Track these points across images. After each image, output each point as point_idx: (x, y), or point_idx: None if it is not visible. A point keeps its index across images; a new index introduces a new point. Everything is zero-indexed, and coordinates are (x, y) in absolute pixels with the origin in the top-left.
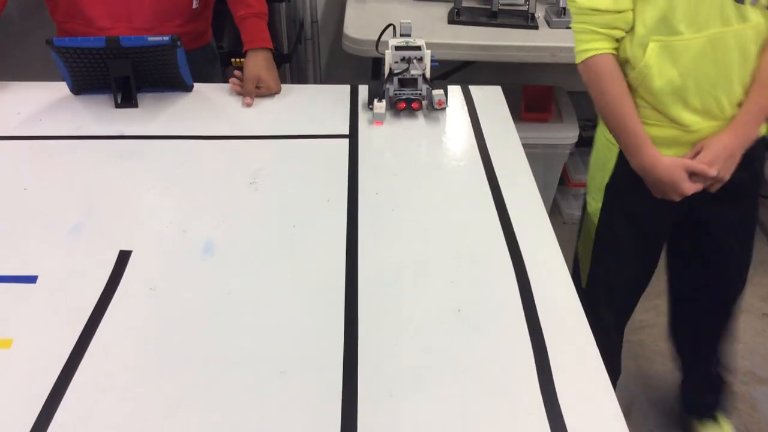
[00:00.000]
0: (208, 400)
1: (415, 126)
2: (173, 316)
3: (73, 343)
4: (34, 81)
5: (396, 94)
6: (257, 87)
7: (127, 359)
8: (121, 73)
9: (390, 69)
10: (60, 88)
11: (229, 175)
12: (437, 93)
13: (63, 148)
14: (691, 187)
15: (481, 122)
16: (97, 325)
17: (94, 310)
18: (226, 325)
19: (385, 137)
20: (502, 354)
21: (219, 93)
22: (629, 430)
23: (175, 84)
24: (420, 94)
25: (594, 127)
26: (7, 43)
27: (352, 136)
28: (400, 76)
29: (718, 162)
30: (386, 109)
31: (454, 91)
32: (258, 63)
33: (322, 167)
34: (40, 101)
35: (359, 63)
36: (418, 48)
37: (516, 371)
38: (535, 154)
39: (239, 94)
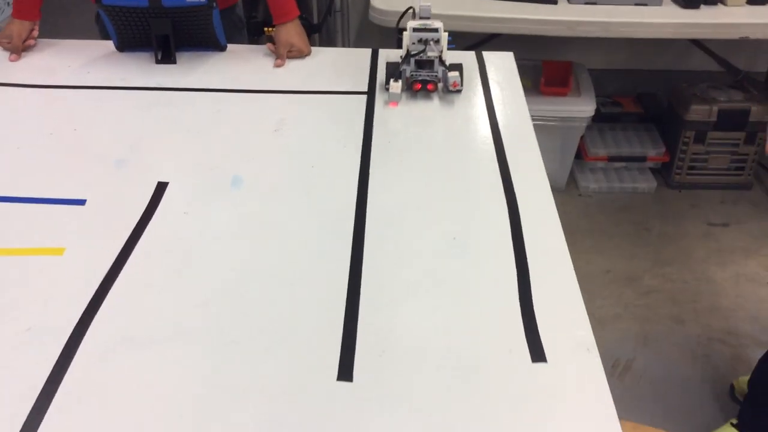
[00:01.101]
0: (232, 299)
1: (430, 108)
2: (204, 234)
3: (118, 251)
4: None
5: (412, 75)
6: (289, 51)
7: (164, 265)
8: (161, 32)
9: (407, 50)
10: (106, 46)
11: (256, 123)
12: (452, 75)
13: (109, 96)
14: None
15: (490, 83)
16: (138, 238)
17: (136, 226)
18: (249, 243)
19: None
20: (488, 275)
21: (250, 53)
22: (626, 383)
23: (210, 43)
24: (436, 75)
25: (613, 103)
26: (57, 13)
27: (370, 93)
28: (417, 58)
29: None
30: (402, 90)
31: (468, 56)
32: (289, 32)
33: (340, 119)
34: (89, 56)
35: (385, 33)
36: (436, 30)
37: (499, 288)
38: (553, 127)
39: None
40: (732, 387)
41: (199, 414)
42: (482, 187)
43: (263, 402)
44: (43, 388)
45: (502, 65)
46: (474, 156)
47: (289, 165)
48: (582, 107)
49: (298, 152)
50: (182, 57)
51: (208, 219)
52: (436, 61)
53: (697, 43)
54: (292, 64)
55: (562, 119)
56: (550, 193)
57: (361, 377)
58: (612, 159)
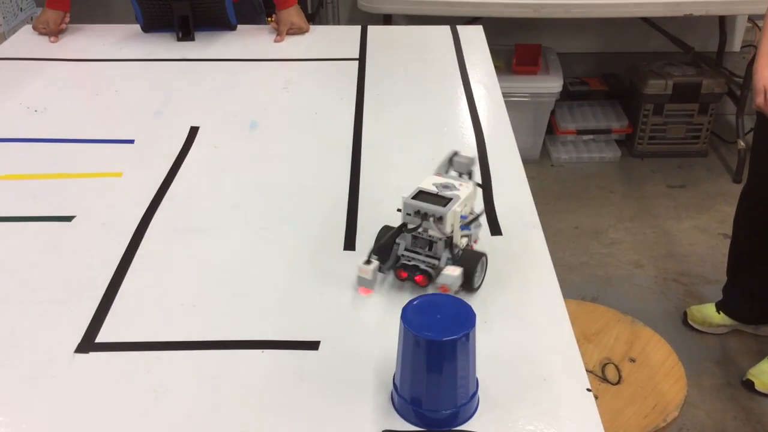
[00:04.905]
0: (258, 202)
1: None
2: (231, 159)
3: (166, 172)
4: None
5: (402, 255)
6: (290, 29)
7: (203, 181)
8: (182, 13)
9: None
10: (133, 28)
11: (267, 83)
12: (448, 275)
13: (140, 67)
14: (760, 102)
15: (463, 50)
16: (181, 163)
17: (178, 155)
18: (268, 165)
19: (388, 59)
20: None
21: (257, 31)
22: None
23: (223, 23)
24: (434, 265)
25: (581, 83)
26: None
27: (361, 60)
28: (414, 234)
29: None
30: (384, 272)
31: (443, 30)
32: (290, 13)
33: (337, 79)
34: (119, 37)
35: (374, 20)
36: (445, 203)
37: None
38: (525, 102)
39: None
40: (684, 314)
41: (242, 273)
42: (453, 121)
43: (290, 263)
44: (123, 257)
45: (472, 35)
46: (450, 106)
47: (296, 112)
48: (550, 84)
49: (303, 104)
50: (199, 36)
51: (234, 150)
52: (441, 243)
53: (655, 25)
54: (294, 39)
55: (533, 95)
56: (512, 133)
57: (361, 248)
58: (580, 132)
